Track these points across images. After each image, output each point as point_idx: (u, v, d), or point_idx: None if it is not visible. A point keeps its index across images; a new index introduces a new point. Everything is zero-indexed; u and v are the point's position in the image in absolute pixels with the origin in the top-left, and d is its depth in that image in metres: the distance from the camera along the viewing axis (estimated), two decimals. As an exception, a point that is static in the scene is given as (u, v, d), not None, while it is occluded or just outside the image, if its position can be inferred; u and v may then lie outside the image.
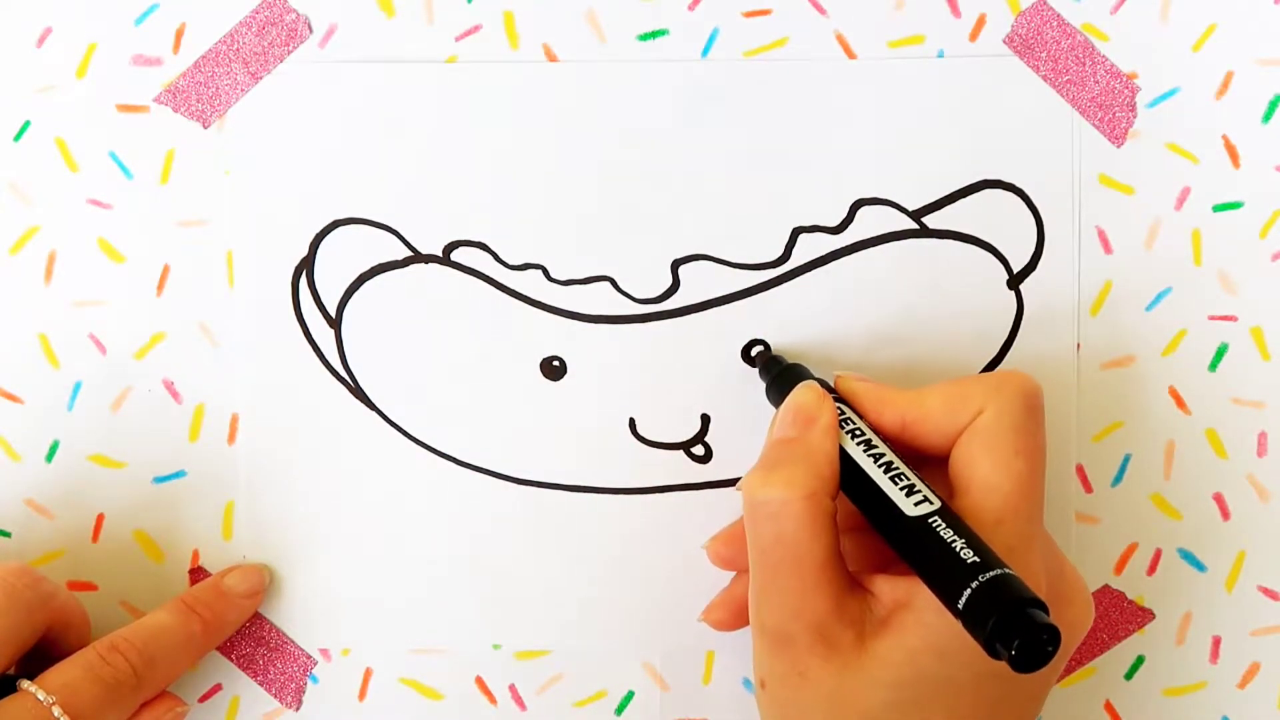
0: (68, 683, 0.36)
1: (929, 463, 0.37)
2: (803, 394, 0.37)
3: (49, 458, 0.42)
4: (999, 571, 0.31)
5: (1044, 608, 0.31)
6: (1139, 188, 0.41)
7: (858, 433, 0.36)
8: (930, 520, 0.33)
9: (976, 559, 0.32)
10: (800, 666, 0.34)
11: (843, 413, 0.37)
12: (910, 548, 0.34)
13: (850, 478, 0.36)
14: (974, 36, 0.41)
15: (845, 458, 0.36)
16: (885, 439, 0.37)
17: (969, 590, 0.31)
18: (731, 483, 0.42)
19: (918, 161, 0.41)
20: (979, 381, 0.37)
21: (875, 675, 0.34)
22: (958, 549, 0.32)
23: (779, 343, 0.41)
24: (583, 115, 0.41)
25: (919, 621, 0.34)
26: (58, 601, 0.38)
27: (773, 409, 0.39)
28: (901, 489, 0.35)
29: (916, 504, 0.34)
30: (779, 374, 0.39)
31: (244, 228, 0.42)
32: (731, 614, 0.40)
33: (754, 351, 0.41)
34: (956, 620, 0.32)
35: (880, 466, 0.35)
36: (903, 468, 0.35)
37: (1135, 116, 0.41)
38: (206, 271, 0.42)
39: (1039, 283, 0.41)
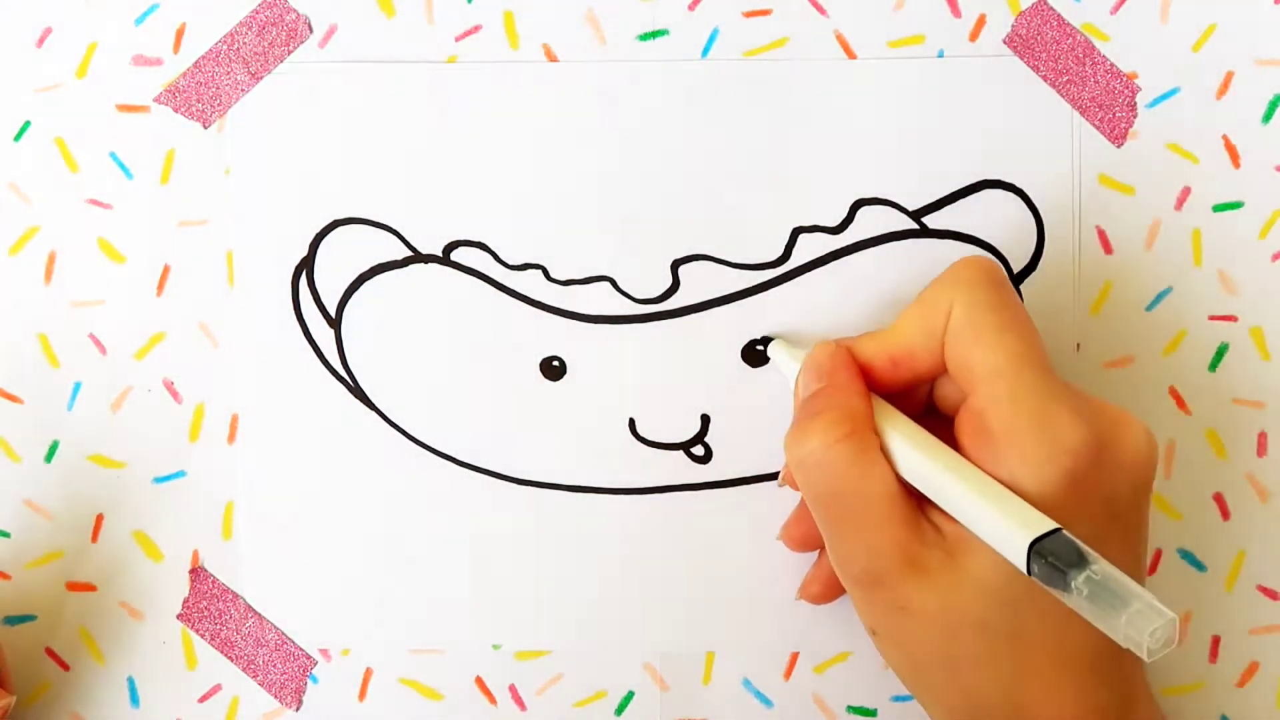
0: None
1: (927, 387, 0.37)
2: (815, 351, 0.37)
3: (48, 458, 0.42)
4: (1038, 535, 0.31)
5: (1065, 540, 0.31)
6: (1139, 188, 0.41)
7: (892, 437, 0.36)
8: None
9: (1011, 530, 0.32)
10: (900, 601, 0.34)
11: None
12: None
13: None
14: (974, 36, 0.41)
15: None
16: (886, 387, 0.37)
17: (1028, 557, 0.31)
18: (732, 483, 0.42)
19: (918, 161, 0.41)
20: (937, 284, 0.36)
21: (976, 583, 0.33)
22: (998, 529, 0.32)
23: (780, 341, 0.41)
24: (583, 115, 0.41)
25: None
26: None
27: (766, 410, 0.39)
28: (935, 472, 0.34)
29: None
30: (782, 355, 0.40)
31: (244, 228, 0.42)
32: (825, 585, 0.40)
33: (758, 348, 0.41)
34: None
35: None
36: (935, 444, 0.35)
37: (1135, 116, 0.41)
38: (206, 271, 0.42)
39: (1039, 283, 0.41)
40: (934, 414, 0.38)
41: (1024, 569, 0.31)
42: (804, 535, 0.40)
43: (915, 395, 0.38)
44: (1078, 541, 0.31)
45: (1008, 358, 0.34)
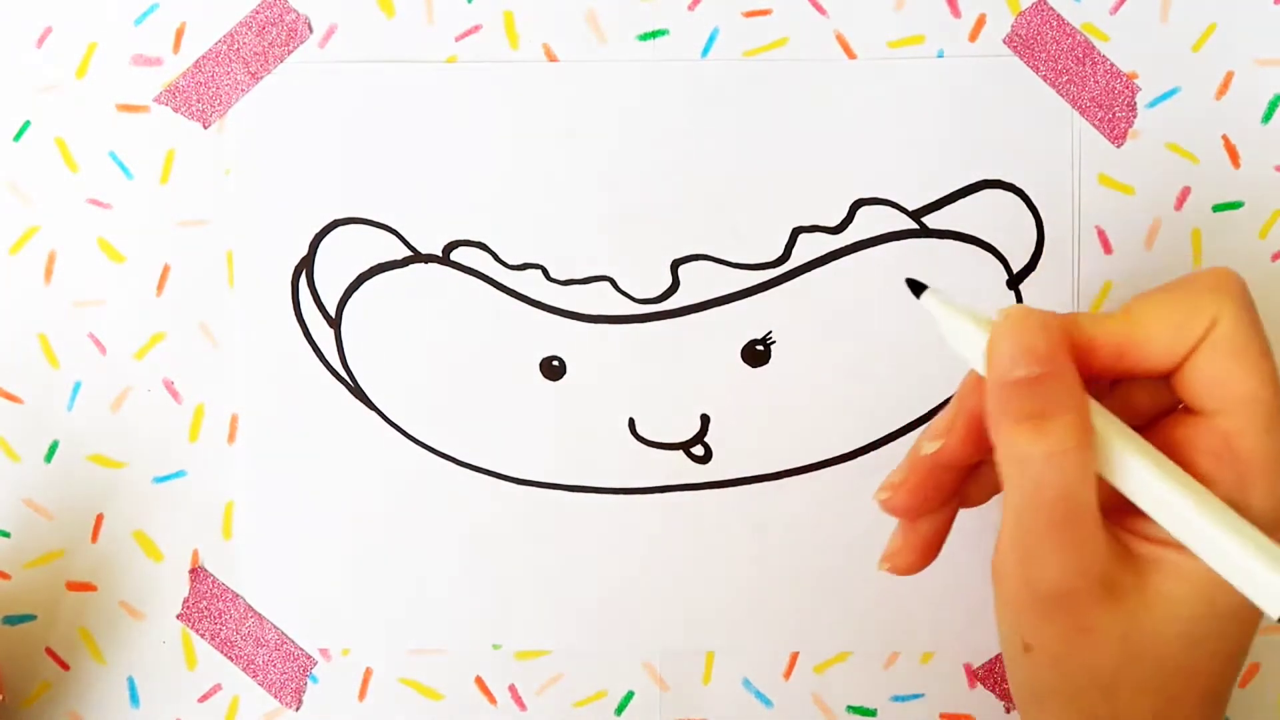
0: None
1: (1139, 382, 0.34)
2: (1026, 322, 0.32)
3: (48, 458, 0.42)
4: None
5: None
6: (1139, 188, 0.41)
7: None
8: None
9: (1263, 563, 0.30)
10: (1085, 622, 0.32)
11: None
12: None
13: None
14: (974, 36, 0.41)
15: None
16: (1096, 376, 0.33)
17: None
18: (732, 483, 0.42)
19: (918, 161, 0.41)
20: (1199, 289, 0.32)
21: (1166, 612, 0.32)
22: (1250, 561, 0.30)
23: (780, 341, 0.41)
24: (583, 115, 0.41)
25: (1196, 565, 0.32)
26: None
27: (766, 410, 0.39)
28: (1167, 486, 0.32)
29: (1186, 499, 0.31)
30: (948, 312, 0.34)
31: (244, 228, 0.42)
32: (919, 555, 0.36)
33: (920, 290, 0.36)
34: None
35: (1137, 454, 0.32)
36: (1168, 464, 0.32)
37: (1135, 116, 0.41)
38: (206, 271, 0.42)
39: (1039, 283, 0.41)
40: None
41: (1276, 617, 0.30)
42: (913, 506, 0.35)
43: (1118, 395, 0.35)
44: None
45: (1270, 385, 0.32)
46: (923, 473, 0.35)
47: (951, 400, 0.35)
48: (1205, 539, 0.31)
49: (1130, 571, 0.32)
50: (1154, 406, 0.34)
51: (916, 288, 0.35)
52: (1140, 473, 0.31)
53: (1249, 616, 0.32)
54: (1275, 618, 0.29)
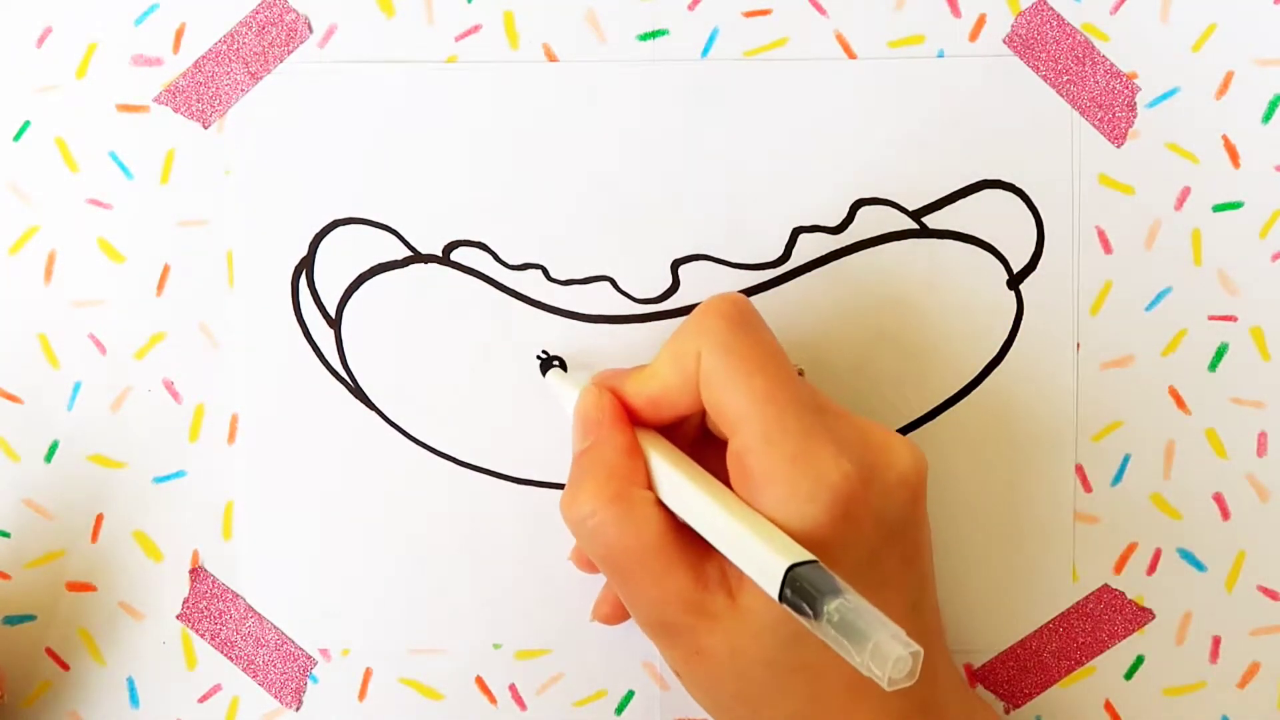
0: None
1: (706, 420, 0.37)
2: (581, 401, 0.37)
3: (48, 458, 0.42)
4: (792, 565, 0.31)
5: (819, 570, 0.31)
6: (1139, 188, 0.41)
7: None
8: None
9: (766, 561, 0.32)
10: (694, 645, 0.35)
11: None
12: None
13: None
14: (974, 36, 0.41)
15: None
16: (653, 425, 0.37)
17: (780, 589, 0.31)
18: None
19: (918, 161, 0.41)
20: (686, 328, 0.36)
21: (757, 623, 0.34)
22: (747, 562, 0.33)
23: (780, 341, 0.41)
24: (583, 115, 0.41)
25: None
26: None
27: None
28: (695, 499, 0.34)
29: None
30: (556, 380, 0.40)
31: (244, 228, 0.42)
32: (614, 607, 0.40)
33: (541, 363, 0.41)
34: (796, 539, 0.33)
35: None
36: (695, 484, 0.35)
37: (1135, 116, 0.41)
38: (206, 271, 0.42)
39: (1039, 283, 0.41)
40: (714, 440, 0.37)
41: (776, 597, 0.31)
42: (613, 610, 0.40)
43: (687, 425, 0.38)
44: (830, 573, 0.30)
45: (757, 401, 0.34)
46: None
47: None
48: (721, 539, 0.33)
49: (720, 592, 0.34)
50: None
51: (543, 366, 0.41)
52: (675, 490, 0.35)
53: None
54: (775, 596, 0.31)
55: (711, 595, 0.34)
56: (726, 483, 0.35)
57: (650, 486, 0.35)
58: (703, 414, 0.37)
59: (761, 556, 0.32)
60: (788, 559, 0.31)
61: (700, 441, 0.38)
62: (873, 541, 0.34)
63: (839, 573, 0.31)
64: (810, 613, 0.30)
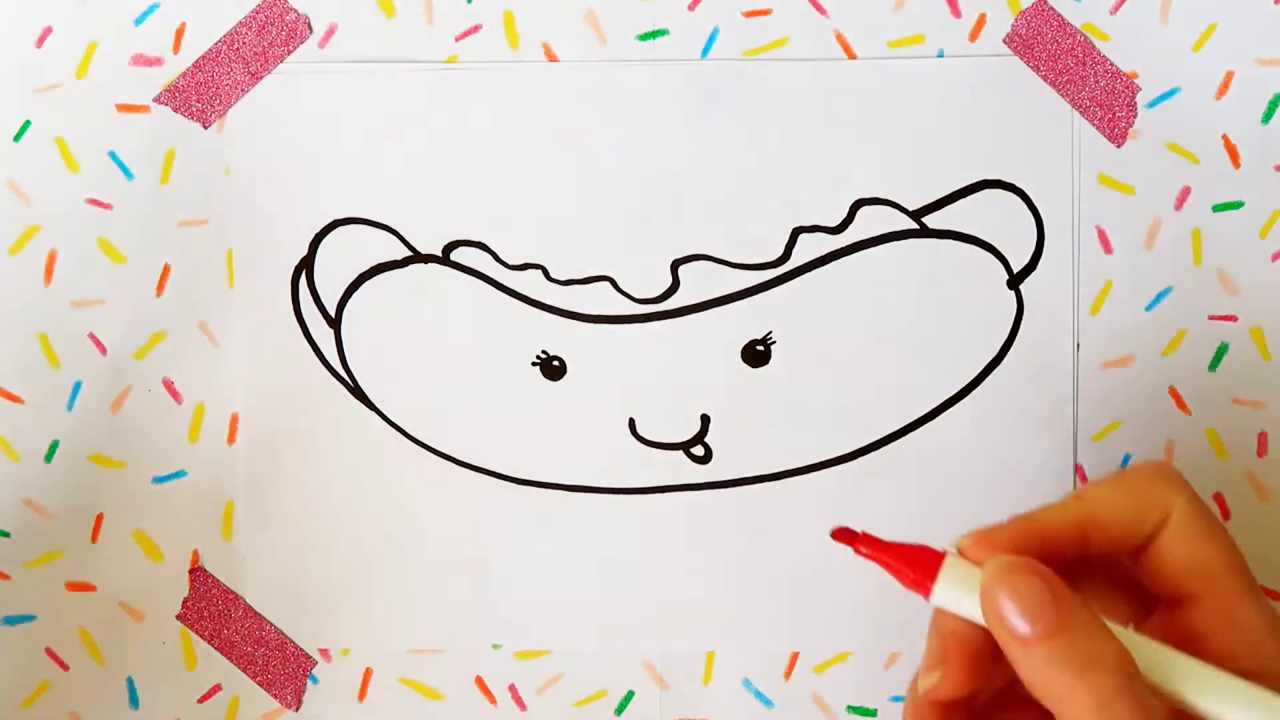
0: None
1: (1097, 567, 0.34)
2: (1021, 580, 0.30)
3: (48, 458, 0.42)
4: None
5: None
6: (1139, 188, 0.41)
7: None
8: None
9: None
10: None
11: None
12: None
13: None
14: (974, 36, 0.41)
15: None
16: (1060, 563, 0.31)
17: None
18: (732, 483, 0.42)
19: (918, 161, 0.41)
20: (1150, 480, 0.33)
21: None
22: None
23: (780, 341, 0.41)
24: (583, 115, 0.41)
25: None
26: None
27: (766, 410, 0.39)
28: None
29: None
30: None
31: (244, 228, 0.42)
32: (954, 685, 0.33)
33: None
34: None
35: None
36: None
37: (1135, 116, 0.41)
38: (206, 271, 0.42)
39: (1039, 283, 0.41)
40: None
41: None
42: (953, 687, 0.32)
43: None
44: None
45: (1239, 555, 0.32)
46: (924, 715, 0.33)
47: (931, 631, 0.32)
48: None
49: None
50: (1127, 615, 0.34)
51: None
52: (1191, 679, 0.30)
53: None
54: None
55: None
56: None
57: None
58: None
59: None
60: None
61: None
62: None
63: None
64: None
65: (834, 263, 0.41)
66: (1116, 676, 0.29)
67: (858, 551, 0.32)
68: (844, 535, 0.32)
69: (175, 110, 0.41)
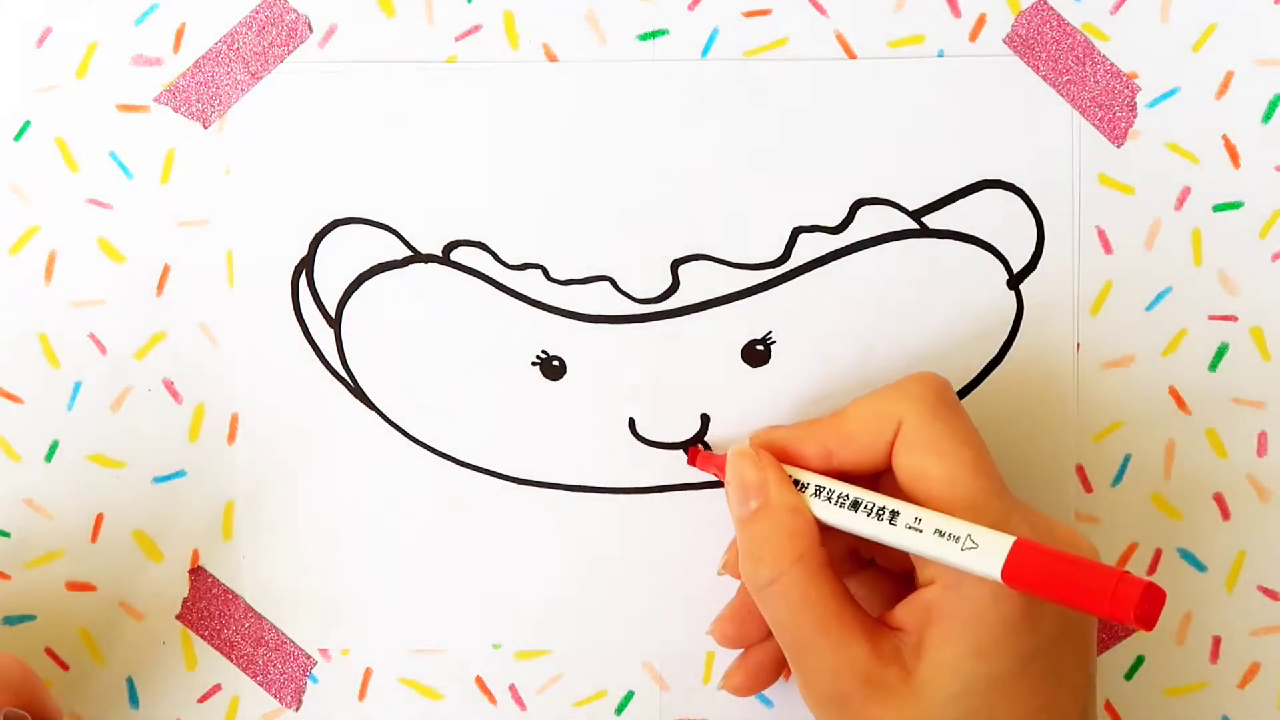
0: None
1: (858, 481, 0.37)
2: (737, 464, 0.37)
3: (48, 457, 0.42)
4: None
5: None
6: (1139, 188, 0.41)
7: (808, 486, 0.37)
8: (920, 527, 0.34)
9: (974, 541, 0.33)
10: (862, 718, 0.35)
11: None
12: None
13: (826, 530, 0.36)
14: (974, 36, 0.41)
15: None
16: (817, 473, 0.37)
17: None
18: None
19: (918, 161, 0.41)
20: (890, 394, 0.37)
21: (931, 699, 0.34)
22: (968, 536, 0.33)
23: (780, 341, 0.41)
24: (583, 115, 0.41)
25: (946, 633, 0.34)
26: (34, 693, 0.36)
27: (766, 410, 0.40)
28: (881, 517, 0.35)
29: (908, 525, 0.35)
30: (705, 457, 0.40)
31: (244, 228, 0.42)
32: (750, 679, 0.40)
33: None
34: (981, 617, 0.33)
35: (849, 506, 0.36)
36: (864, 494, 0.36)
37: (1135, 116, 0.41)
38: (206, 271, 0.42)
39: (1039, 283, 0.41)
40: None
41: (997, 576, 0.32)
42: (736, 634, 0.39)
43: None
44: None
45: (965, 469, 0.35)
46: (744, 607, 0.39)
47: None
48: (928, 542, 0.34)
49: (894, 666, 0.34)
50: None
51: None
52: (843, 518, 0.36)
53: (1023, 651, 0.34)
54: (997, 576, 0.32)
55: (886, 669, 0.34)
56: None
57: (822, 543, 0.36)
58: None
59: (982, 535, 0.33)
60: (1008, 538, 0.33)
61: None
62: (1053, 632, 0.34)
63: (1021, 656, 0.33)
64: None
65: (834, 263, 0.41)
66: (782, 562, 0.35)
67: (690, 462, 0.41)
68: (692, 455, 0.41)
69: (175, 110, 0.41)
